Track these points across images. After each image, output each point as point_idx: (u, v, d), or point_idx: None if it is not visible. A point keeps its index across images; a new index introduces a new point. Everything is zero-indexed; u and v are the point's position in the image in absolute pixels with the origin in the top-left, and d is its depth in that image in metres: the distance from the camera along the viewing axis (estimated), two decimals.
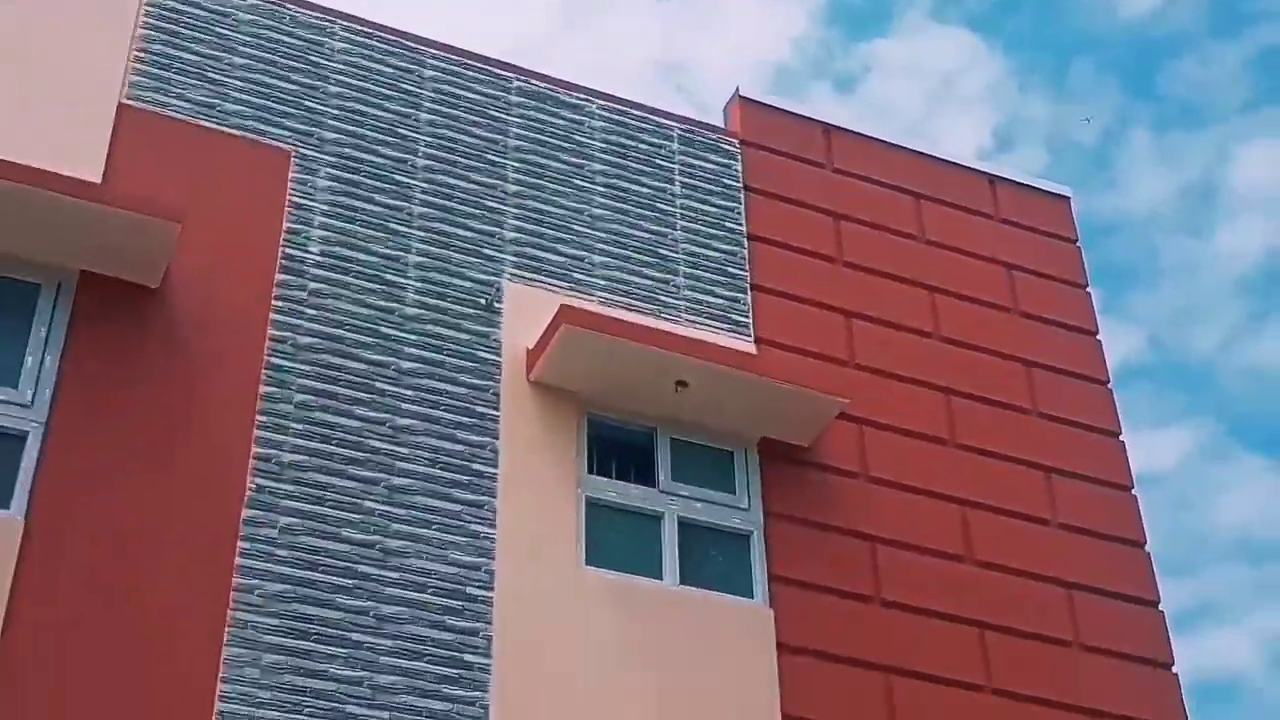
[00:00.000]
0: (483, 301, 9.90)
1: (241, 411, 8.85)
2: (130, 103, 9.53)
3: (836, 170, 11.82)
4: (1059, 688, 10.13)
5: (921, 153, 12.30)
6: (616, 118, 11.19)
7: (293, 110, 10.02)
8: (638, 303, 10.43)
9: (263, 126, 9.87)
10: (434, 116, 10.49)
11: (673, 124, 11.38)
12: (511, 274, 10.12)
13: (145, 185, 9.08)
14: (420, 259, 9.87)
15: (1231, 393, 30.94)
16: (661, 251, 10.75)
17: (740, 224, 11.18)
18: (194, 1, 10.10)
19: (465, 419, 9.43)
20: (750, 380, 9.78)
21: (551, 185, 10.64)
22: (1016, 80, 32.22)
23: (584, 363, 9.60)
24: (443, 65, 10.74)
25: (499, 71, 10.94)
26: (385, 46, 10.61)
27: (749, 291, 10.89)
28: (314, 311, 9.36)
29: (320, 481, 8.82)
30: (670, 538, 9.65)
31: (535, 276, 10.19)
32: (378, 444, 9.09)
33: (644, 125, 11.27)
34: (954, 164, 12.41)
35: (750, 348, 10.59)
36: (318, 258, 9.56)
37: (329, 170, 9.92)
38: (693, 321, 10.54)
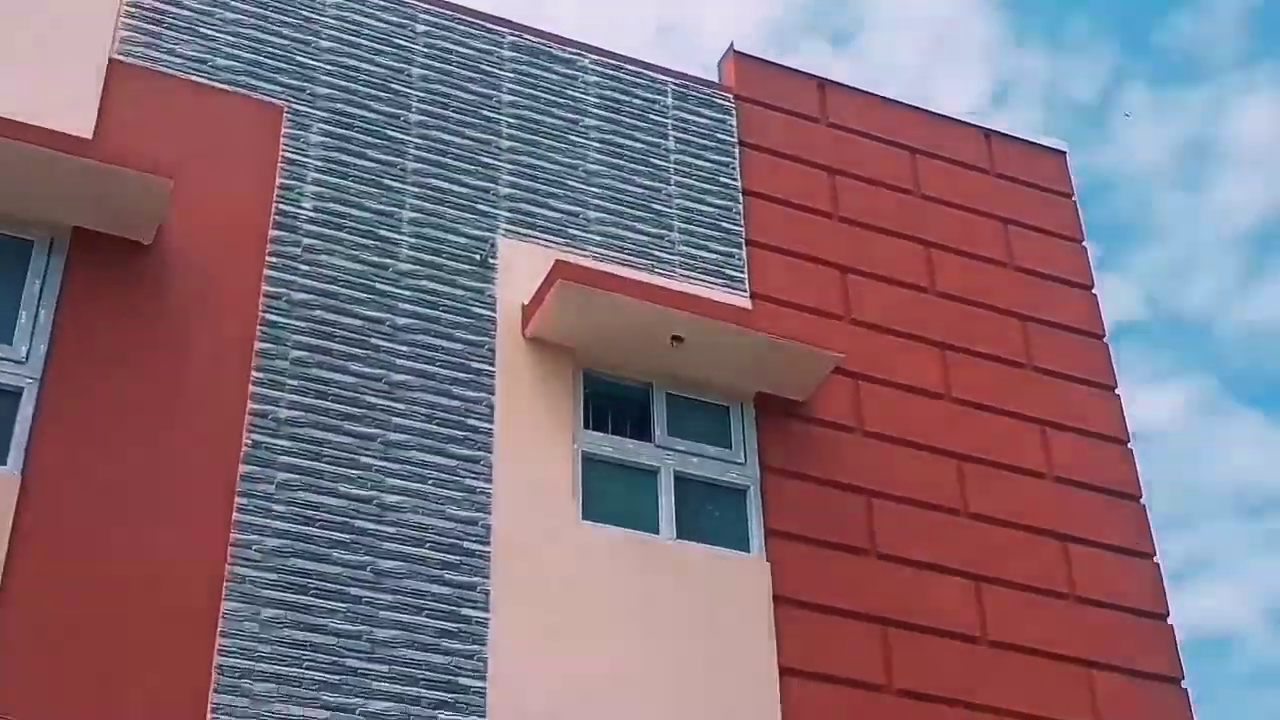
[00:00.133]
0: (477, 257, 9.89)
1: (237, 367, 8.84)
2: (121, 58, 9.48)
3: (832, 125, 11.80)
4: (1055, 639, 10.19)
5: (917, 107, 12.29)
6: (610, 73, 11.14)
7: (285, 65, 9.97)
8: (633, 258, 10.42)
9: (255, 82, 9.82)
10: (427, 72, 10.44)
11: (667, 79, 11.34)
12: (506, 230, 10.10)
13: (137, 141, 9.05)
14: (414, 215, 9.85)
15: (1228, 348, 30.98)
16: (656, 207, 10.73)
17: (735, 179, 11.16)
18: None
19: (461, 375, 9.42)
20: (746, 335, 9.78)
21: (546, 141, 10.60)
22: (1013, 35, 32.12)
23: (579, 318, 9.60)
24: (435, 20, 10.69)
25: (492, 26, 10.89)
26: (378, 1, 10.56)
27: (744, 247, 10.89)
28: (308, 267, 9.34)
29: (316, 437, 8.83)
30: (667, 492, 9.68)
31: (530, 232, 10.17)
32: (373, 400, 9.09)
33: (638, 80, 11.23)
34: (950, 119, 12.40)
35: (746, 303, 10.59)
36: (311, 214, 9.54)
37: (322, 126, 9.88)
38: (688, 277, 10.53)
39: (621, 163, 10.79)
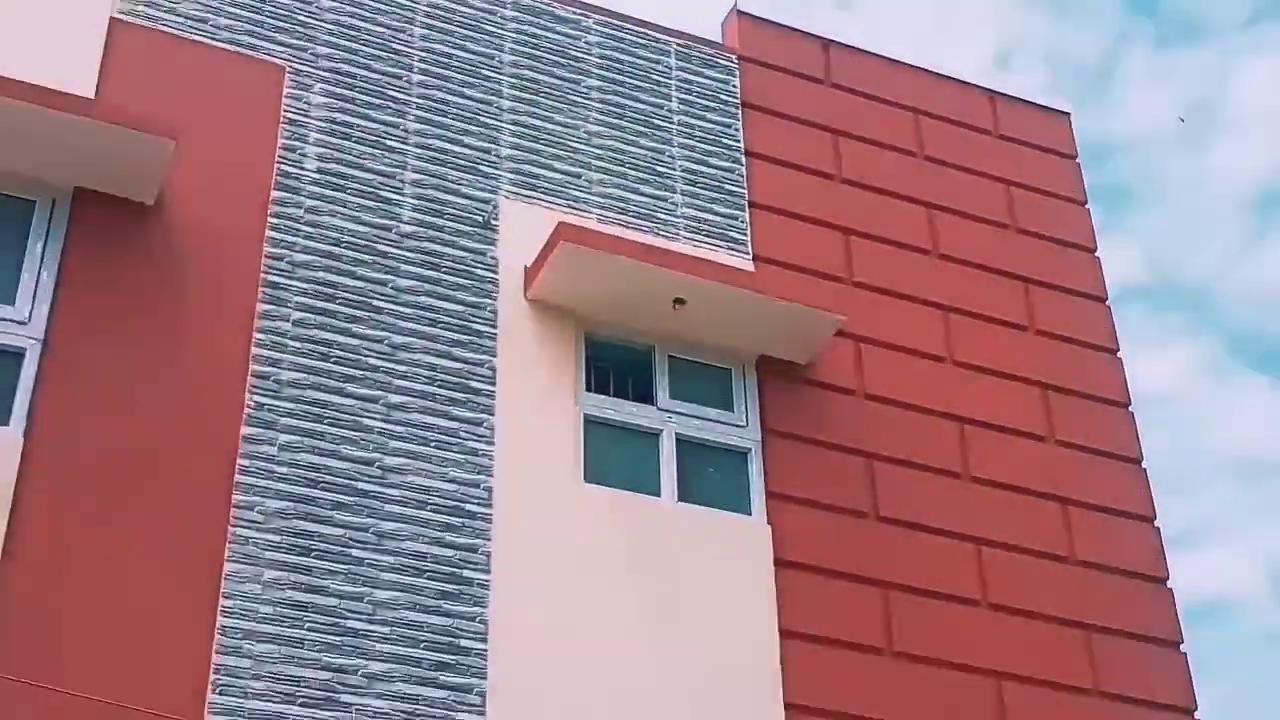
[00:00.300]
0: (480, 219, 9.88)
1: (239, 329, 8.85)
2: (122, 17, 9.45)
3: (835, 86, 11.76)
4: (1054, 602, 10.24)
5: (921, 68, 12.24)
6: (613, 33, 11.10)
7: (286, 25, 9.93)
8: (635, 220, 10.41)
9: (256, 41, 9.79)
10: (428, 31, 10.40)
11: (670, 39, 11.30)
12: (508, 191, 10.09)
13: (139, 101, 9.02)
14: (416, 176, 9.83)
15: (1230, 312, 30.98)
16: (659, 168, 10.71)
17: (738, 140, 11.14)
18: None
19: (463, 337, 9.43)
20: (748, 297, 9.79)
21: (548, 102, 10.58)
22: None
23: (582, 280, 9.60)
24: None
25: None
26: None
27: (747, 209, 10.88)
28: (310, 229, 9.34)
29: (319, 399, 8.85)
30: (669, 455, 9.71)
31: (532, 194, 10.16)
32: (375, 362, 9.10)
33: (641, 41, 11.19)
34: (953, 80, 12.36)
35: (748, 265, 10.59)
36: (313, 175, 9.52)
37: (323, 86, 9.85)
38: (690, 239, 10.52)
39: (624, 124, 10.76)
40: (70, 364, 8.35)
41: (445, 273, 9.59)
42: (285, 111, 9.64)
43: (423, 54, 10.30)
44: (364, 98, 9.94)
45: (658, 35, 11.27)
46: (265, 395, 8.72)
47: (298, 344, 8.95)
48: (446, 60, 10.36)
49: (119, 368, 8.46)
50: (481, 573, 8.75)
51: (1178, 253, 31.24)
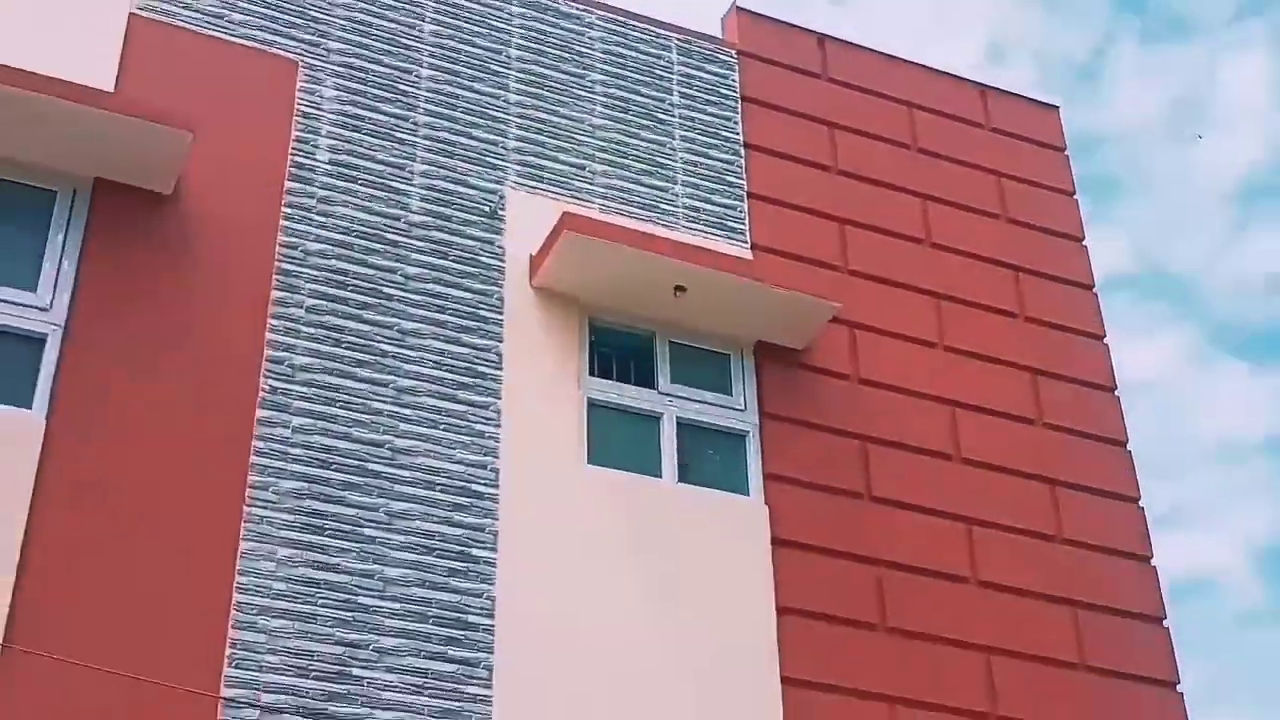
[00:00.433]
0: (486, 209, 10.09)
1: (253, 315, 9.02)
2: (141, 12, 9.62)
3: (831, 81, 11.92)
4: (1042, 579, 10.40)
5: (915, 63, 12.38)
6: (616, 29, 11.30)
7: (299, 21, 10.13)
8: (637, 210, 10.60)
9: (270, 37, 9.98)
10: (437, 27, 10.60)
11: (672, 35, 11.48)
12: (514, 182, 10.28)
13: (157, 94, 9.18)
14: (425, 167, 10.04)
15: (1215, 301, 31.17)
16: (660, 160, 10.92)
17: (737, 133, 11.33)
18: None
19: (470, 323, 9.63)
20: (746, 285, 9.95)
21: (553, 95, 10.77)
22: None
23: (585, 268, 9.77)
24: None
25: None
26: None
27: (745, 199, 11.05)
28: (322, 218, 9.53)
29: (331, 383, 9.04)
30: (669, 437, 9.88)
31: (537, 185, 10.36)
32: (386, 347, 9.30)
33: (643, 36, 11.39)
34: (946, 74, 12.50)
35: (746, 254, 10.76)
36: (326, 166, 9.73)
37: (335, 80, 10.06)
38: (691, 228, 10.72)
39: (627, 117, 10.96)
40: (90, 349, 8.52)
41: (453, 261, 9.80)
42: (298, 105, 9.82)
43: (432, 49, 10.48)
44: (375, 91, 10.14)
45: (660, 31, 11.46)
46: (279, 379, 8.92)
47: (310, 330, 9.15)
48: (455, 55, 10.56)
49: (137, 353, 8.63)
50: (488, 551, 8.93)
51: (1164, 243, 31.44)
